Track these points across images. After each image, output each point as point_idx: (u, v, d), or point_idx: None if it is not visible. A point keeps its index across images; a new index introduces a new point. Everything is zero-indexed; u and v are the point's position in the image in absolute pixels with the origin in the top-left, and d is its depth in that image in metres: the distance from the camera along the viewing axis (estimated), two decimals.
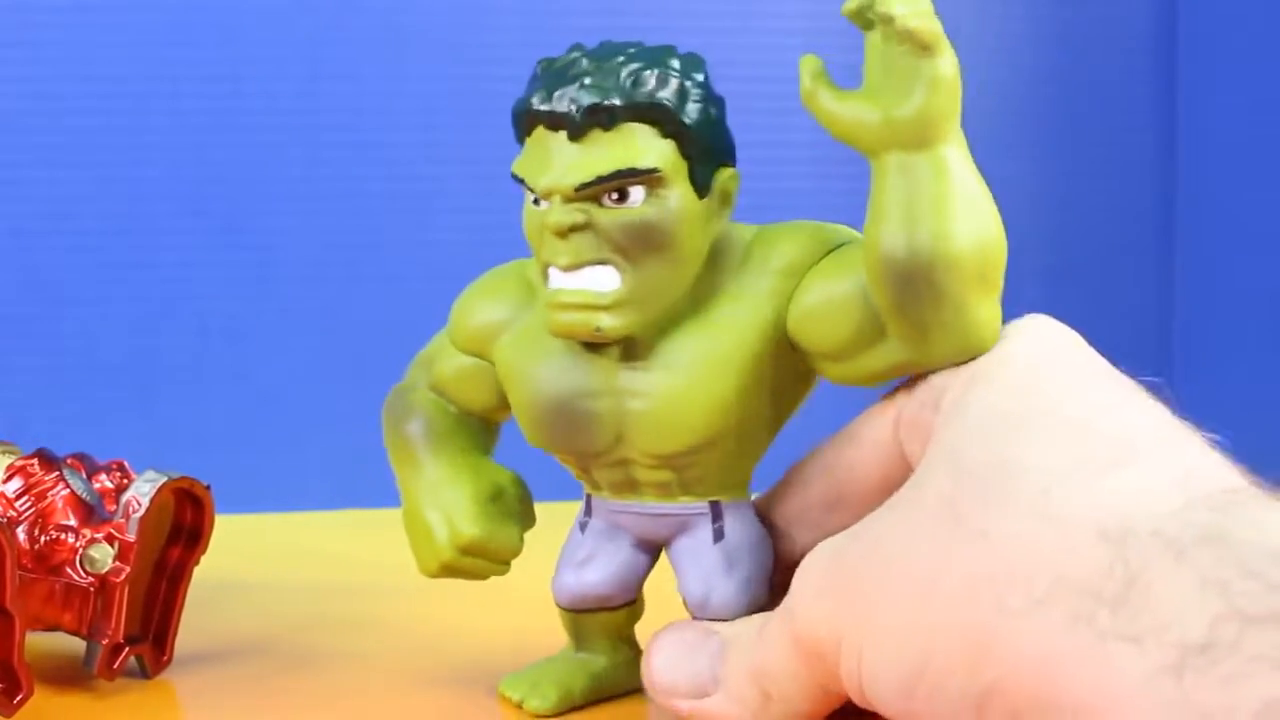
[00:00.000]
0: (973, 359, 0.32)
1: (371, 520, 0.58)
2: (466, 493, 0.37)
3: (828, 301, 0.33)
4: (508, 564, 0.38)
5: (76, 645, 0.40)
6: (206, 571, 0.42)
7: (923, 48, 0.29)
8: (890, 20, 0.29)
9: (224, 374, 0.76)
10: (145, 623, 0.41)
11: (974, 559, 0.28)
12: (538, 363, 0.35)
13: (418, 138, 0.77)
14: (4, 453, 0.42)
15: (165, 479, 0.40)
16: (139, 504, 0.39)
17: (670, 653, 0.34)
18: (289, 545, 0.57)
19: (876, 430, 0.34)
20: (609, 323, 0.33)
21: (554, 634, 0.38)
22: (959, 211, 0.30)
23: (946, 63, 0.30)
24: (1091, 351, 0.32)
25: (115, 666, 0.39)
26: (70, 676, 0.40)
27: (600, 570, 0.36)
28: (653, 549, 0.37)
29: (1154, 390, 0.31)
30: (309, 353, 0.77)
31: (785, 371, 0.34)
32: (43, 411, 0.74)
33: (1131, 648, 0.25)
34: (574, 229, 0.32)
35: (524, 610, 0.42)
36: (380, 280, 0.77)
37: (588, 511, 0.36)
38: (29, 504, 0.40)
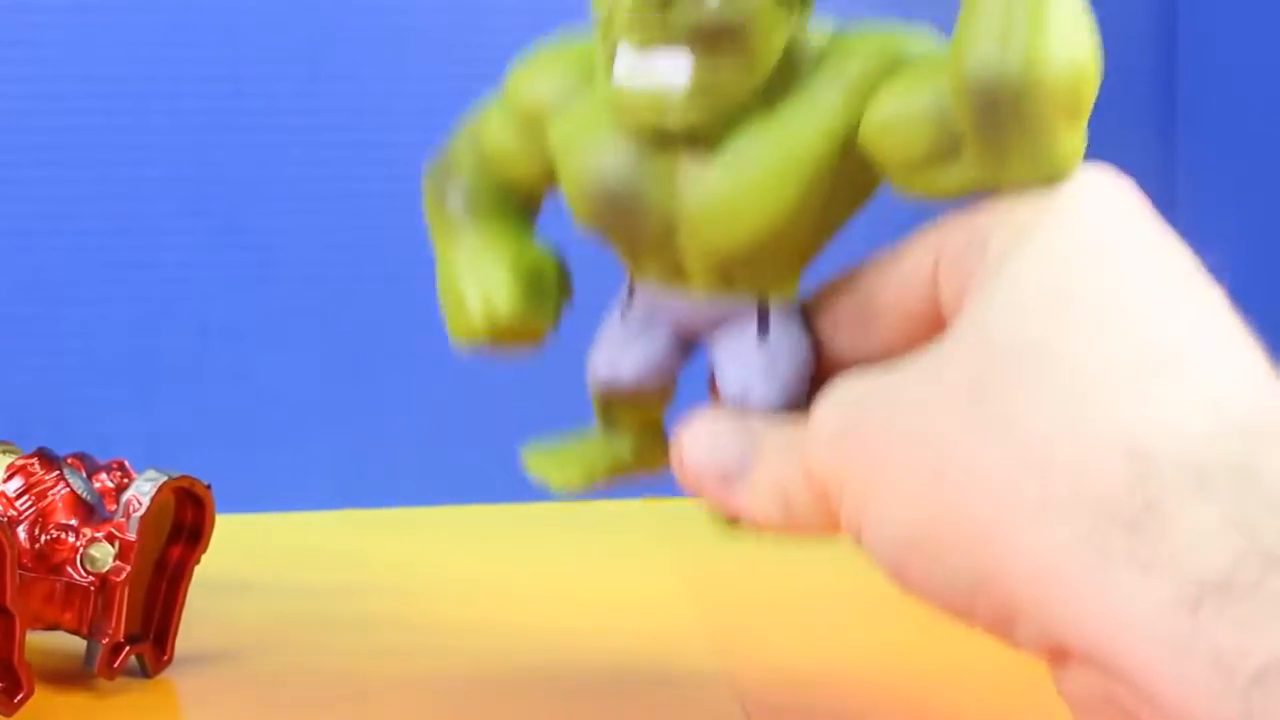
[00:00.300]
0: (1051, 187, 0.30)
1: (371, 520, 0.58)
2: (505, 265, 0.36)
3: (903, 114, 0.31)
4: (541, 341, 0.37)
5: (77, 644, 0.40)
6: (207, 571, 0.42)
7: None
8: None
9: (224, 374, 0.76)
10: (145, 622, 0.41)
11: (989, 449, 0.27)
12: (595, 144, 0.34)
13: (418, 138, 0.77)
14: (4, 452, 0.42)
15: (166, 478, 0.40)
16: (139, 503, 0.39)
17: (703, 441, 0.34)
18: (289, 545, 0.57)
19: (917, 262, 0.33)
20: (676, 115, 0.32)
21: (556, 632, 0.38)
22: (1053, 32, 0.29)
23: None
24: (1154, 220, 0.30)
25: (115, 666, 0.39)
26: (70, 676, 0.40)
27: (635, 359, 0.36)
28: (691, 341, 0.36)
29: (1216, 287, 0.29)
30: (309, 353, 0.77)
31: (848, 181, 0.33)
32: (43, 411, 0.74)
33: (1144, 576, 0.24)
34: (642, 17, 0.31)
35: (525, 609, 0.42)
36: (380, 280, 0.77)
37: (630, 297, 0.36)
38: (29, 503, 0.40)
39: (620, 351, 0.36)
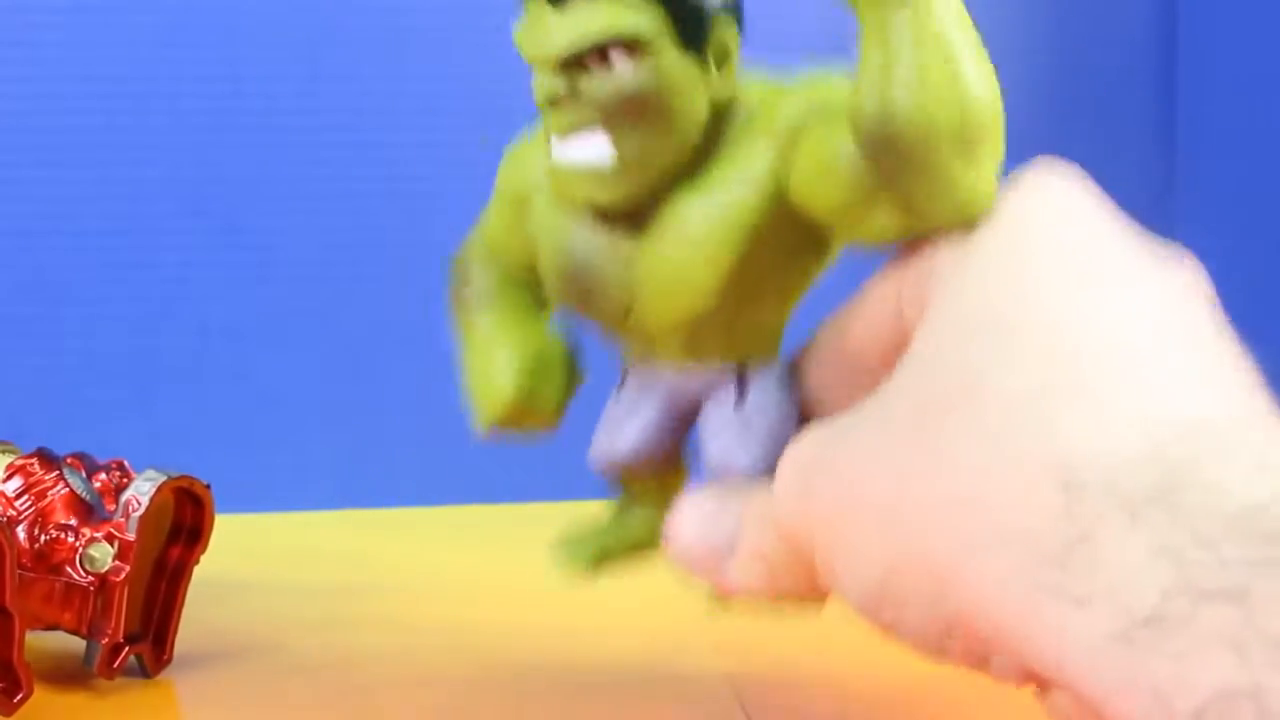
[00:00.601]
0: (968, 224, 0.30)
1: (372, 520, 0.58)
2: (510, 354, 0.37)
3: (823, 161, 0.31)
4: (554, 425, 0.38)
5: (76, 644, 0.40)
6: (206, 571, 0.42)
7: None
8: None
9: (224, 374, 0.76)
10: (145, 622, 0.41)
11: (932, 485, 0.27)
12: (556, 228, 0.34)
13: (418, 138, 0.77)
14: (4, 452, 0.42)
15: (165, 478, 0.40)
16: (139, 503, 0.39)
17: (689, 524, 0.34)
18: (289, 545, 0.57)
19: (880, 299, 0.33)
20: (602, 191, 0.32)
21: (559, 628, 0.38)
22: (931, 70, 0.29)
23: None
24: (1100, 210, 0.30)
25: (115, 665, 0.39)
26: (70, 675, 0.40)
27: (633, 433, 0.36)
28: (686, 413, 0.36)
29: (1186, 269, 0.29)
30: (309, 353, 0.77)
31: (794, 236, 0.33)
32: (43, 411, 0.74)
33: (1079, 610, 0.24)
34: (561, 98, 0.32)
35: (525, 609, 0.42)
36: (380, 280, 0.77)
37: (622, 378, 0.36)
38: (29, 503, 0.40)
39: (616, 428, 0.36)
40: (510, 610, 0.43)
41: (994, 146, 0.30)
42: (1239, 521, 0.24)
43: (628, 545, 0.37)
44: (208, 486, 0.41)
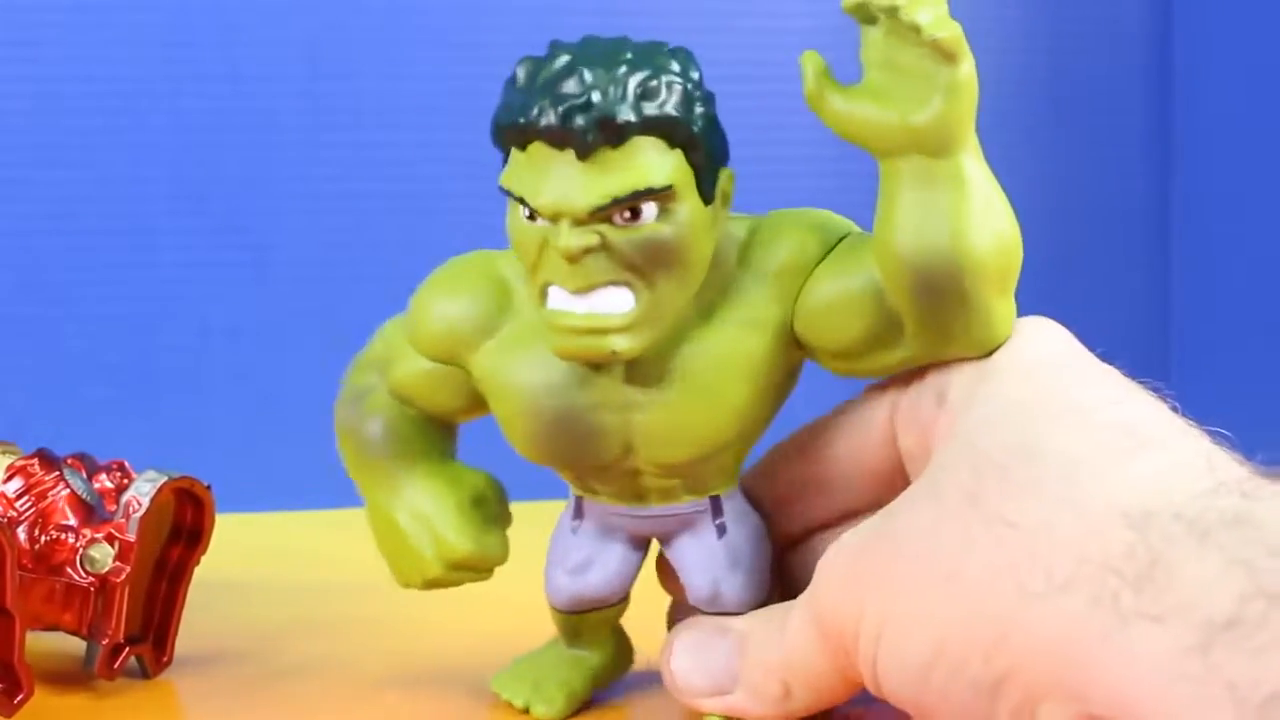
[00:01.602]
0: (987, 355, 0.32)
1: None
2: (449, 504, 0.36)
3: (838, 301, 0.32)
4: (491, 572, 0.37)
5: (77, 645, 0.40)
6: (207, 571, 0.42)
7: (947, 56, 0.29)
8: (916, 30, 0.29)
9: (224, 374, 0.76)
10: (145, 623, 0.41)
11: (995, 547, 0.28)
12: (534, 376, 0.33)
13: (418, 138, 0.77)
14: (4, 453, 0.42)
15: (165, 479, 0.40)
16: (139, 504, 0.39)
17: (688, 654, 0.35)
18: (289, 545, 0.57)
19: (869, 420, 0.34)
20: (624, 344, 0.31)
21: (553, 631, 0.38)
22: (980, 216, 0.30)
23: (966, 68, 0.29)
24: (1090, 353, 0.32)
25: (115, 666, 0.39)
26: (70, 676, 0.40)
27: (600, 573, 0.36)
28: (646, 544, 0.36)
29: (1156, 392, 0.31)
30: (309, 353, 0.76)
31: (787, 368, 0.34)
32: (43, 411, 0.74)
33: (1155, 627, 0.25)
34: (588, 251, 0.31)
35: (522, 609, 0.42)
36: (380, 280, 0.77)
37: (578, 513, 0.36)
38: (29, 504, 0.40)
39: (582, 569, 0.36)
40: (509, 610, 0.43)
41: (1015, 282, 0.32)
42: None
43: (589, 681, 0.37)
44: (208, 487, 0.41)
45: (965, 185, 0.30)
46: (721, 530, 0.35)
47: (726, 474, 0.35)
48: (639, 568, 0.37)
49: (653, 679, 0.37)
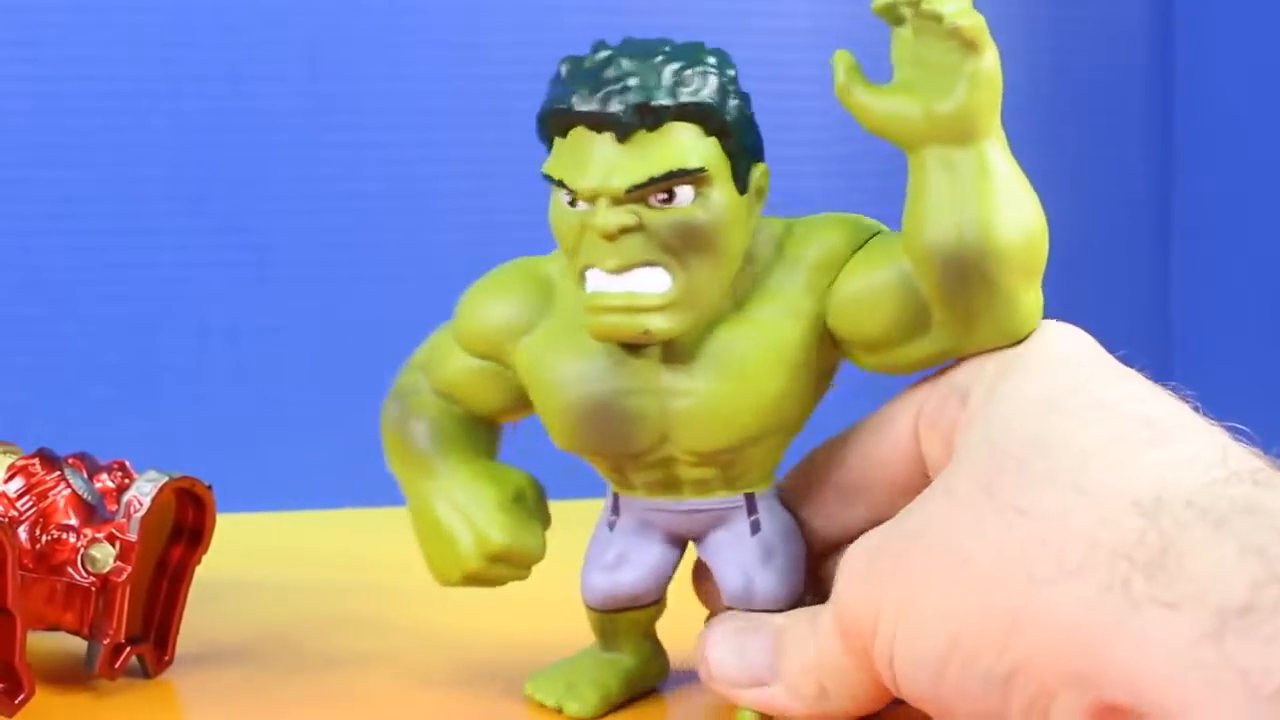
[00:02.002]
0: (1014, 344, 0.32)
1: (372, 520, 0.58)
2: (489, 498, 0.37)
3: (868, 292, 0.33)
4: (529, 569, 0.37)
5: (78, 645, 0.40)
6: (208, 571, 0.42)
7: (969, 45, 0.30)
8: (938, 19, 0.30)
9: (224, 374, 0.76)
10: (146, 622, 0.41)
11: (1006, 535, 0.28)
12: (573, 364, 0.34)
13: (418, 138, 0.77)
14: (5, 452, 0.42)
15: (166, 479, 0.40)
16: (140, 504, 0.39)
17: (726, 645, 0.35)
18: (289, 545, 0.57)
19: (898, 425, 0.34)
20: (659, 324, 0.32)
21: (558, 632, 0.38)
22: (1005, 203, 0.31)
23: (990, 58, 0.30)
24: (1111, 356, 0.32)
25: (116, 666, 0.39)
26: (71, 676, 0.40)
27: (634, 570, 0.36)
28: (682, 544, 0.36)
29: (1176, 393, 0.31)
30: (309, 353, 0.77)
31: (822, 363, 0.34)
32: (43, 411, 0.74)
33: (1169, 613, 0.25)
34: (625, 230, 0.32)
35: (523, 610, 0.42)
36: (380, 280, 0.77)
37: (615, 510, 0.36)
38: (30, 504, 0.40)
39: (616, 565, 0.36)
40: (510, 610, 0.43)
41: (1041, 270, 0.32)
42: None
43: (623, 683, 0.37)
44: (209, 487, 0.41)
45: (990, 173, 0.31)
46: (756, 527, 0.35)
47: (762, 470, 0.35)
48: (674, 567, 0.36)
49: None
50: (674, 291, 0.32)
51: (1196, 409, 0.30)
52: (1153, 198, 0.85)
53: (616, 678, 0.37)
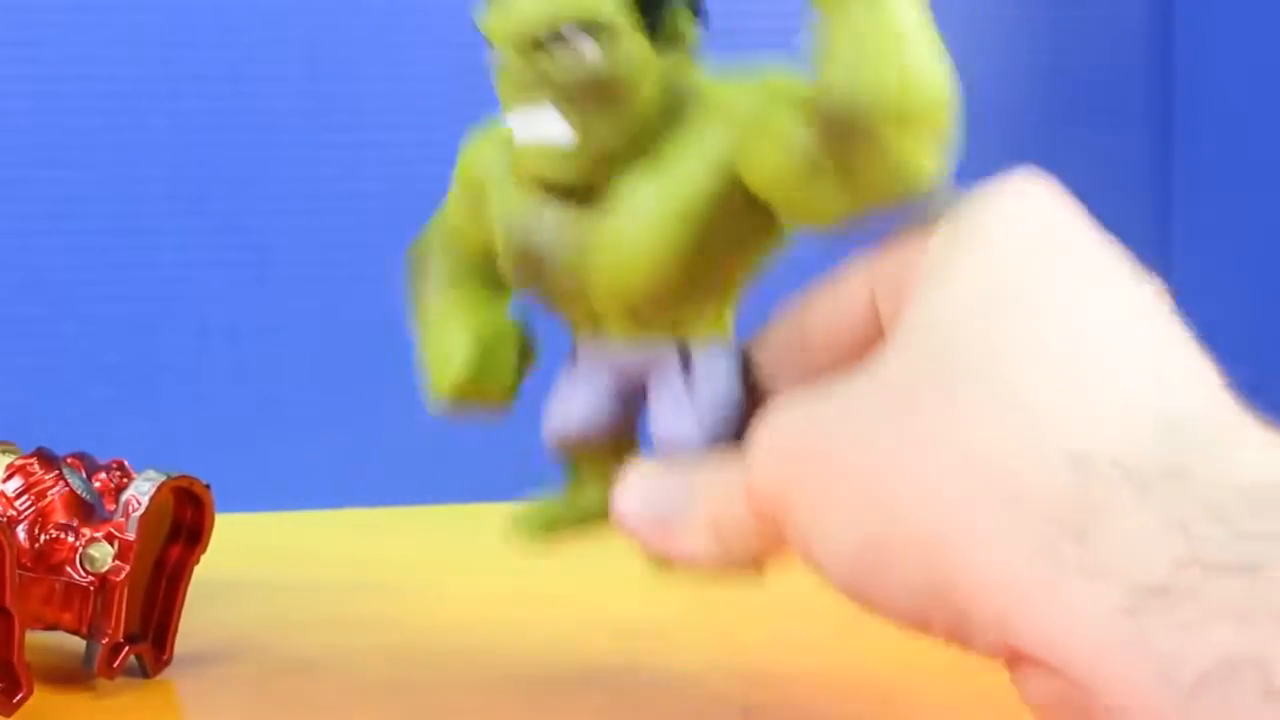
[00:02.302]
0: (906, 200, 0.31)
1: (371, 520, 0.58)
2: (462, 333, 0.38)
3: (775, 142, 0.32)
4: (505, 404, 0.38)
5: (76, 644, 0.40)
6: (206, 571, 0.42)
7: None
8: None
9: (224, 374, 0.76)
10: (145, 622, 0.41)
11: (928, 462, 0.27)
12: (512, 209, 0.35)
13: (418, 138, 0.77)
14: (4, 452, 0.42)
15: (165, 478, 0.40)
16: (138, 503, 0.39)
17: (637, 492, 0.34)
18: (289, 545, 0.57)
19: (853, 291, 0.33)
20: (558, 168, 0.33)
21: (556, 632, 0.38)
22: (885, 47, 0.30)
23: None
24: (1080, 219, 0.30)
25: (115, 665, 0.39)
26: (70, 675, 0.40)
27: (580, 411, 0.36)
28: (635, 389, 0.36)
29: (1155, 284, 0.29)
30: (309, 353, 0.77)
31: (743, 219, 0.33)
32: (42, 411, 0.74)
33: (1090, 583, 0.24)
34: (524, 76, 0.32)
35: (524, 609, 0.42)
36: (380, 280, 0.77)
37: (573, 355, 0.37)
38: (29, 503, 0.40)
39: (566, 404, 0.36)
40: (510, 610, 0.43)
41: (937, 128, 0.30)
42: (1252, 495, 0.24)
43: (578, 519, 0.38)
44: (207, 486, 0.41)
45: (879, 16, 0.30)
46: (687, 377, 0.35)
47: (699, 323, 0.35)
48: (626, 412, 0.36)
49: (654, 680, 0.37)
50: (573, 137, 0.32)
51: (1173, 299, 0.29)
52: (1152, 198, 0.85)
53: (570, 513, 0.38)
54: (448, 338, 0.38)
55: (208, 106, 0.75)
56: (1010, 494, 0.26)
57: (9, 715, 0.36)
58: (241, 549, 0.49)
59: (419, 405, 0.70)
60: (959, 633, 0.27)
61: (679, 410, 0.35)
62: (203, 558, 0.42)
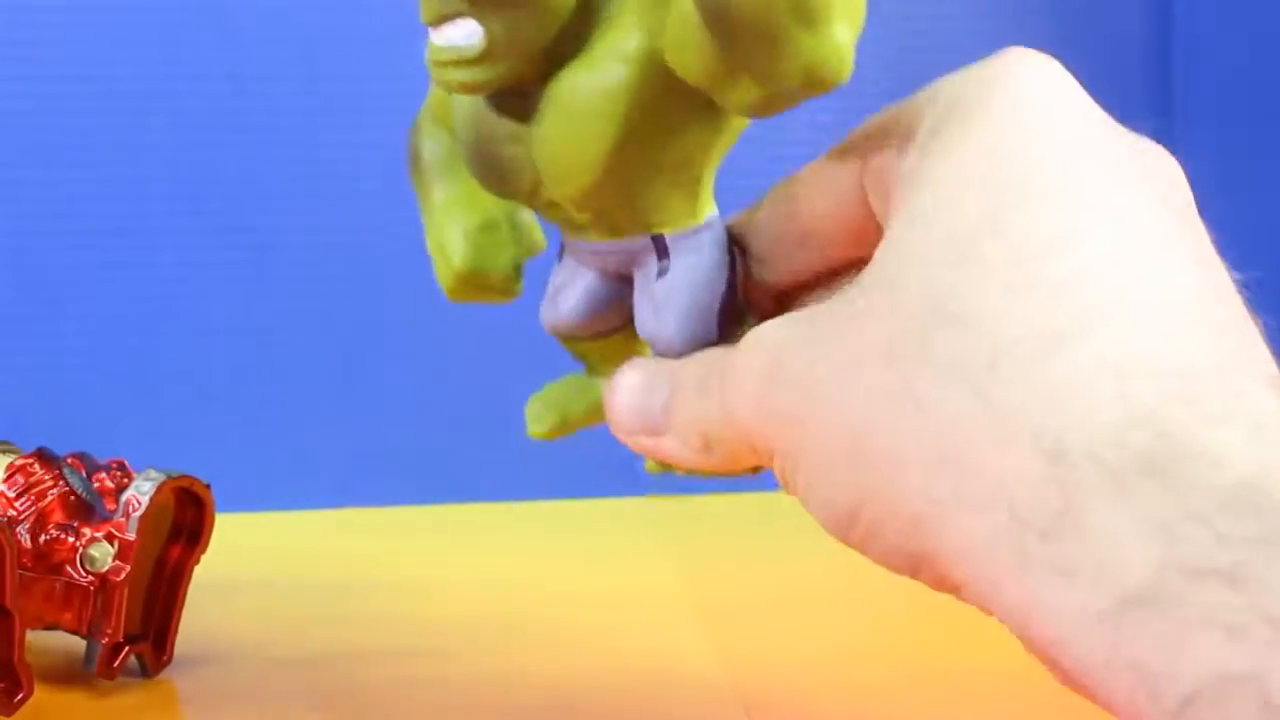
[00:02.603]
0: (828, 86, 0.29)
1: (371, 520, 0.58)
2: (460, 223, 0.38)
3: (684, 32, 0.31)
4: (509, 293, 0.38)
5: (76, 644, 0.40)
6: (207, 571, 0.42)
7: None
8: None
9: (224, 374, 0.76)
10: (145, 622, 0.41)
11: (901, 425, 0.26)
12: (463, 111, 0.35)
13: None
14: (4, 452, 0.42)
15: (165, 478, 0.40)
16: (139, 503, 0.39)
17: (625, 392, 0.34)
18: (289, 545, 0.57)
19: (838, 176, 0.32)
20: (475, 76, 0.32)
21: (555, 632, 0.38)
22: None
23: None
24: (1082, 101, 0.28)
25: (115, 665, 0.39)
26: (70, 675, 0.40)
27: (570, 299, 0.36)
28: (622, 280, 0.36)
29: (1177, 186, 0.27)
30: (309, 353, 0.77)
31: (680, 105, 0.33)
32: (43, 411, 0.74)
33: (1063, 582, 0.23)
34: None
35: (523, 609, 0.42)
36: (380, 280, 0.77)
37: (561, 250, 0.37)
38: (29, 503, 0.40)
39: (555, 295, 0.36)
40: (510, 610, 0.43)
41: (842, 10, 0.29)
42: (1237, 494, 0.23)
43: (588, 409, 0.37)
44: (208, 486, 0.41)
45: None
46: (663, 271, 0.34)
47: (662, 212, 0.34)
48: (616, 301, 0.36)
49: (654, 681, 0.37)
50: (487, 43, 0.32)
51: (1191, 204, 0.27)
52: None
53: (583, 402, 0.37)
54: (445, 231, 0.38)
55: (208, 106, 0.75)
56: (979, 478, 0.25)
57: (9, 715, 0.36)
58: (241, 549, 0.49)
59: (419, 405, 0.71)
60: (950, 590, 0.26)
61: (658, 310, 0.34)
62: (203, 558, 0.42)
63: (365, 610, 0.46)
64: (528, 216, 0.38)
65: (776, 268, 0.34)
